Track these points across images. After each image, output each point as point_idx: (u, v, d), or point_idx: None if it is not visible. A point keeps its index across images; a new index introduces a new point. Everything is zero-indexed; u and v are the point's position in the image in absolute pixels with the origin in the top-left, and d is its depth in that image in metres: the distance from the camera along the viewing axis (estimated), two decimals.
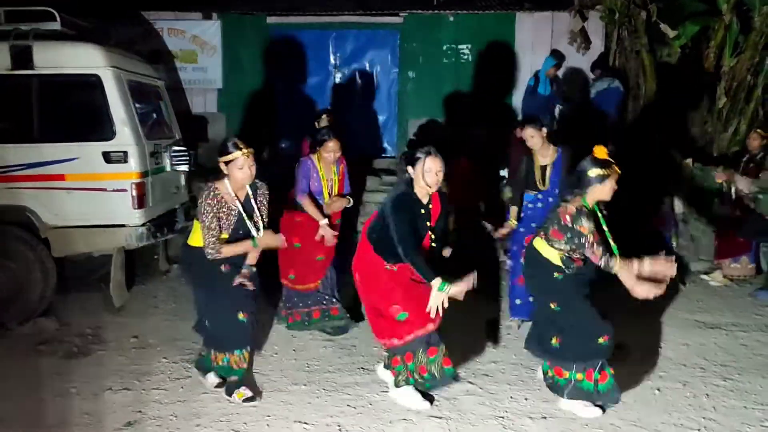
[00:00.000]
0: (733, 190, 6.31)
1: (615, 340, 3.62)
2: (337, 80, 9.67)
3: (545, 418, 3.66)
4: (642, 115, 8.77)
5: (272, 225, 4.13)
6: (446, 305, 3.59)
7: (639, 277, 3.50)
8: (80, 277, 6.10)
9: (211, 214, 3.65)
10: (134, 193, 5.26)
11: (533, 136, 4.97)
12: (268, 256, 4.37)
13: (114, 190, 5.25)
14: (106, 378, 4.15)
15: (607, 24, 9.27)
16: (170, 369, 4.31)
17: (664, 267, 3.52)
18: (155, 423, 3.58)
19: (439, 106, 9.31)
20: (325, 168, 4.89)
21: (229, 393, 3.86)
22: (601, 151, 3.56)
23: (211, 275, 3.77)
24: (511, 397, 3.92)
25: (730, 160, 7.00)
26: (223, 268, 3.77)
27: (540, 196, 5.00)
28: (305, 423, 3.59)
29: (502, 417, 3.67)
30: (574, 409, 3.69)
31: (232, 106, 9.50)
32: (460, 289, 3.56)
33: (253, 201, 3.82)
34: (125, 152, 5.23)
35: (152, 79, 6.28)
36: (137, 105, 5.55)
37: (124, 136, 5.25)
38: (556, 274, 3.68)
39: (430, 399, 3.83)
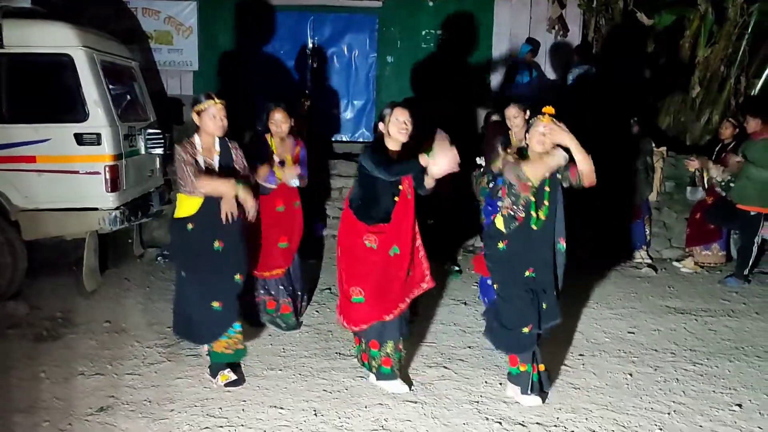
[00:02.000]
0: (705, 178, 6.42)
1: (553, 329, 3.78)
2: (315, 64, 9.59)
3: (519, 402, 3.69)
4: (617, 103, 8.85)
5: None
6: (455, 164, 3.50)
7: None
8: (51, 260, 6.00)
9: (187, 155, 3.67)
10: (108, 176, 5.19)
11: (516, 117, 4.96)
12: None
13: (87, 173, 5.16)
14: (78, 362, 4.10)
15: (584, 12, 9.32)
16: (144, 354, 4.27)
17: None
18: (128, 408, 3.55)
19: (417, 91, 9.28)
20: (278, 147, 4.64)
21: (213, 375, 3.86)
22: (547, 109, 3.61)
23: (195, 252, 3.74)
24: (486, 382, 3.95)
25: (703, 150, 7.10)
26: (217, 243, 3.73)
27: None
28: (281, 408, 3.58)
29: (477, 401, 3.71)
30: (514, 395, 3.75)
31: (208, 89, 9.33)
32: (443, 158, 3.47)
33: (222, 158, 3.82)
34: (98, 134, 5.15)
35: (126, 60, 6.18)
36: (111, 86, 5.45)
37: (97, 117, 5.16)
38: (500, 244, 3.70)
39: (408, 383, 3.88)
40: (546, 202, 3.63)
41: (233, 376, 3.84)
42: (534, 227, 3.61)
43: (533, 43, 8.29)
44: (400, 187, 3.74)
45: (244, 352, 3.94)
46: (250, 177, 3.95)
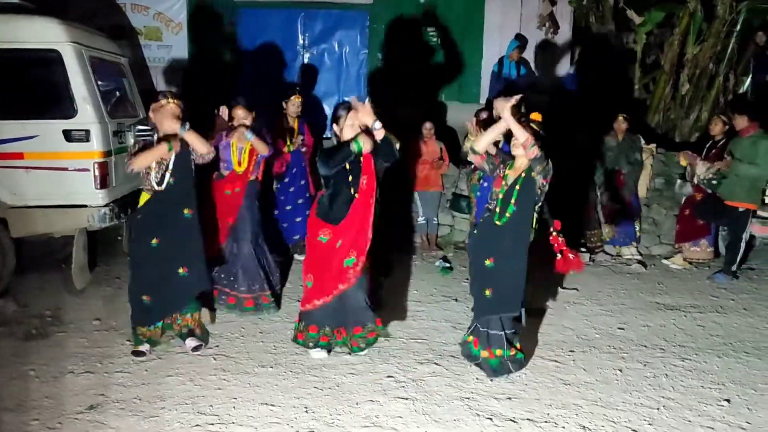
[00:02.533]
0: (695, 174, 6.46)
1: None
2: (306, 60, 9.56)
3: (510, 398, 3.71)
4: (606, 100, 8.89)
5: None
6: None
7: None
8: (40, 258, 5.96)
9: (137, 147, 4.01)
10: (97, 172, 5.15)
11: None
12: None
13: (75, 170, 5.13)
14: (67, 360, 4.07)
15: (575, 9, 9.35)
16: None
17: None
18: (118, 406, 3.53)
19: (408, 89, 9.27)
20: (236, 140, 4.87)
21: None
22: (535, 115, 3.85)
23: (143, 244, 4.07)
24: (477, 378, 3.96)
25: (693, 146, 7.14)
26: (154, 240, 4.04)
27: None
28: (272, 405, 3.58)
29: (468, 398, 3.72)
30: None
31: (198, 85, 9.30)
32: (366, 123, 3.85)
33: (178, 155, 4.05)
34: (87, 130, 5.11)
35: (115, 56, 6.13)
36: (100, 82, 5.41)
37: (86, 113, 5.12)
38: (475, 231, 4.09)
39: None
40: (512, 201, 3.78)
41: (142, 348, 4.16)
42: (497, 222, 3.82)
43: (521, 40, 8.30)
44: (357, 185, 3.94)
45: (158, 342, 4.26)
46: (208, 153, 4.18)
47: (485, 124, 5.33)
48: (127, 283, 5.61)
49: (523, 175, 3.79)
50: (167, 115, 3.98)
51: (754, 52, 8.56)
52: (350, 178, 3.93)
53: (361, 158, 3.93)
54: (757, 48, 8.49)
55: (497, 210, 3.82)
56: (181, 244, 4.08)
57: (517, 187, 3.78)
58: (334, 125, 3.98)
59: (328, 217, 3.98)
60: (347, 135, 3.92)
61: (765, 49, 8.26)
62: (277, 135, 6.17)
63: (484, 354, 3.96)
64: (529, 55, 9.17)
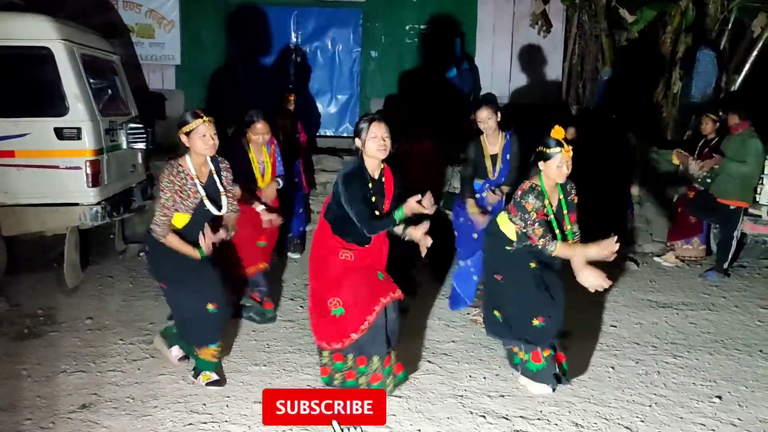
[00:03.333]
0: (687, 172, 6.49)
1: (562, 325, 3.75)
2: (299, 58, 9.55)
3: (503, 396, 3.72)
4: (600, 98, 8.91)
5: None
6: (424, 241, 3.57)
7: (587, 262, 3.57)
8: (32, 257, 5.93)
9: (171, 192, 3.48)
10: (89, 170, 5.14)
11: (490, 119, 4.65)
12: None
13: (67, 168, 5.11)
14: (60, 360, 4.06)
15: (567, 7, 9.37)
16: (126, 350, 4.23)
17: (607, 246, 3.55)
18: (111, 405, 3.52)
19: (401, 86, 9.29)
20: (255, 150, 4.72)
21: (195, 375, 3.78)
22: (556, 132, 3.56)
23: (176, 262, 3.59)
24: (470, 376, 3.97)
25: (686, 145, 7.17)
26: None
27: (488, 186, 4.94)
28: None
29: (461, 396, 3.72)
30: (528, 386, 3.79)
31: (191, 83, 9.29)
32: (416, 232, 3.54)
33: (216, 178, 3.68)
34: (79, 129, 5.09)
35: (107, 54, 6.11)
36: (91, 80, 5.39)
37: (78, 111, 5.10)
38: (508, 248, 3.76)
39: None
40: (565, 211, 3.71)
41: (215, 377, 3.76)
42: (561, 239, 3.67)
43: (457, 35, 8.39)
44: (382, 206, 3.60)
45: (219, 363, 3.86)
46: (227, 204, 3.76)
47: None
48: (119, 282, 5.66)
49: (561, 198, 3.70)
50: (202, 139, 3.50)
51: (684, 53, 8.56)
52: (373, 199, 3.56)
53: (384, 179, 3.62)
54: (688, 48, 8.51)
55: (557, 232, 3.65)
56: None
57: (564, 211, 3.72)
58: (357, 139, 3.50)
59: (347, 239, 3.58)
60: (372, 149, 3.45)
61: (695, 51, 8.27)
62: (276, 134, 6.16)
63: (525, 357, 3.78)
64: (524, 54, 9.21)
